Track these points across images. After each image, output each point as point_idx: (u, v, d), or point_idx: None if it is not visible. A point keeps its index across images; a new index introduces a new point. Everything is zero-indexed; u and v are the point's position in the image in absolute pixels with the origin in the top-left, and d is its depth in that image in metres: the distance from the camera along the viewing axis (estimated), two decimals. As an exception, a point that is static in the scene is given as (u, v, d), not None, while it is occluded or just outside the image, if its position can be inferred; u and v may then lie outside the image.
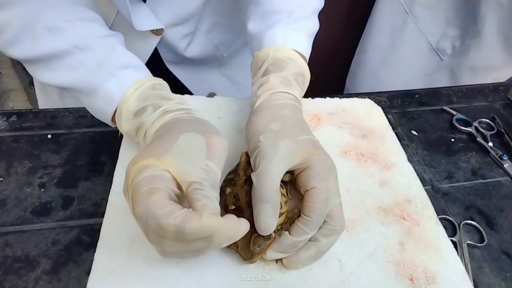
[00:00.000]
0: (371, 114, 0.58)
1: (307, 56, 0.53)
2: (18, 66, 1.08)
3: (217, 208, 0.34)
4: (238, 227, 0.33)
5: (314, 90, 0.59)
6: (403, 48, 0.89)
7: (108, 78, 0.45)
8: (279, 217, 0.38)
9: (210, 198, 0.34)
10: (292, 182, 0.43)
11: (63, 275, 0.41)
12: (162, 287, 0.37)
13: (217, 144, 0.39)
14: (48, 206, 0.47)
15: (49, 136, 0.55)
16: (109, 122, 0.48)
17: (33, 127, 0.56)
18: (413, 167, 0.52)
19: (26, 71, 0.52)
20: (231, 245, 0.39)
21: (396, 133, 0.59)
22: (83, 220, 0.46)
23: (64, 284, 0.40)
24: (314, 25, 0.56)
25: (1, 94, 1.11)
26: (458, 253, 0.44)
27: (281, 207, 0.38)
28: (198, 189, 0.34)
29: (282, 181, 0.40)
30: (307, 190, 0.39)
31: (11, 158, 0.52)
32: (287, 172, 0.41)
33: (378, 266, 0.40)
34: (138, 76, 0.45)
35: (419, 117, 0.64)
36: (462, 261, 0.44)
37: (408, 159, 0.53)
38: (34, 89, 0.79)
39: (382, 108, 0.61)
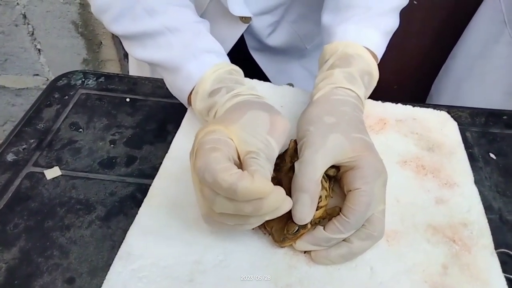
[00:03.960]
0: (444, 128, 0.53)
1: (379, 55, 0.51)
2: (116, 39, 1.19)
3: (269, 176, 0.36)
4: (284, 199, 0.34)
5: (393, 94, 0.57)
6: (492, 62, 0.80)
7: (190, 59, 0.48)
8: (318, 210, 0.38)
9: (263, 167, 0.36)
10: (337, 180, 0.42)
11: (113, 224, 0.45)
12: (192, 252, 0.39)
13: (280, 123, 0.40)
14: (113, 160, 0.52)
15: (128, 100, 0.60)
16: (185, 101, 0.51)
17: (116, 89, 0.62)
18: (482, 192, 0.48)
19: (123, 45, 0.58)
20: (266, 227, 0.39)
21: (471, 153, 0.54)
22: (140, 179, 0.50)
23: (112, 232, 0.44)
24: (392, 23, 0.53)
25: (99, 62, 1.25)
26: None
27: (320, 200, 0.37)
28: (254, 158, 0.36)
29: (326, 175, 0.40)
30: (351, 191, 0.38)
31: (92, 113, 0.58)
32: (334, 167, 0.40)
33: (412, 283, 0.38)
34: (218, 61, 0.48)
35: (502, 140, 0.58)
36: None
37: (478, 183, 0.48)
38: (127, 61, 0.87)
39: (461, 125, 0.56)
